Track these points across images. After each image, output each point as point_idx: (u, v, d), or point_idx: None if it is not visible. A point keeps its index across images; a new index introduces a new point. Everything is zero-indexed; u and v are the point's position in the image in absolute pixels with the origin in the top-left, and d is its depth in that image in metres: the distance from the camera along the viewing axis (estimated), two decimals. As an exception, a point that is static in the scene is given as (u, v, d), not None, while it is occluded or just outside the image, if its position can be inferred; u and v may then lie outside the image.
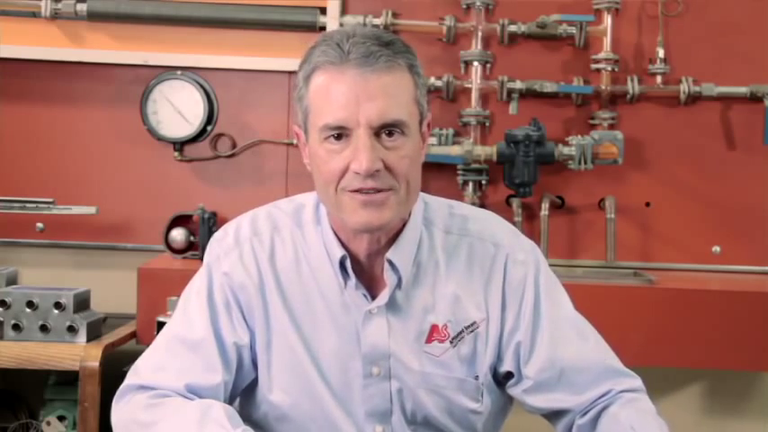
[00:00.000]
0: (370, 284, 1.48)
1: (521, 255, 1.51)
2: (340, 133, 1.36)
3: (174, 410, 1.39)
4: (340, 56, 1.36)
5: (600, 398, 1.48)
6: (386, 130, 1.36)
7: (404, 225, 1.46)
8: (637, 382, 1.51)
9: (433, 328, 1.47)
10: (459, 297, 1.48)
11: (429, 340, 1.47)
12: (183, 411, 1.38)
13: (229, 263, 1.50)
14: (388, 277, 1.45)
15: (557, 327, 1.49)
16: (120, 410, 1.46)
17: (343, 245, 1.46)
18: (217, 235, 1.55)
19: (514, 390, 1.51)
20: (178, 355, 1.46)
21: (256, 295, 1.48)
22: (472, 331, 1.48)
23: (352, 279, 1.46)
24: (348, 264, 1.45)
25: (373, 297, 1.47)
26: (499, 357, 1.50)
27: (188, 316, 1.49)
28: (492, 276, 1.49)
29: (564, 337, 1.48)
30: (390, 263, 1.45)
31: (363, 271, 1.48)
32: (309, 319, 1.48)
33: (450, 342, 1.47)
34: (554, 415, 1.51)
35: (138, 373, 1.48)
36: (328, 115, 1.36)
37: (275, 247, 1.50)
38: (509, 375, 1.51)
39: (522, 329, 1.48)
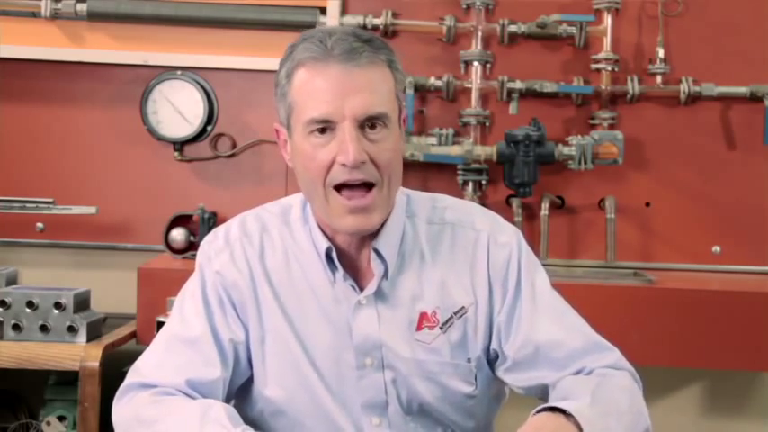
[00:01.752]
0: (357, 276, 1.51)
1: (502, 237, 1.54)
2: (325, 127, 1.39)
3: (175, 409, 1.40)
4: (323, 51, 1.39)
5: (576, 373, 1.49)
6: (369, 123, 1.40)
7: (388, 216, 1.49)
8: (615, 355, 1.51)
9: (422, 315, 1.49)
10: (445, 283, 1.50)
11: (419, 328, 1.49)
12: (185, 410, 1.39)
13: (220, 262, 1.52)
14: (375, 266, 1.48)
15: (534, 306, 1.50)
16: (121, 409, 1.47)
17: (329, 238, 1.49)
18: (207, 238, 1.58)
19: (498, 370, 1.53)
20: (177, 352, 1.48)
21: (248, 292, 1.51)
22: (461, 316, 1.50)
23: (340, 270, 1.48)
24: (335, 255, 1.48)
25: (361, 289, 1.50)
26: (490, 339, 1.52)
27: (184, 316, 1.52)
28: (476, 260, 1.52)
29: (541, 315, 1.50)
30: (377, 252, 1.48)
31: (350, 263, 1.51)
32: (301, 314, 1.50)
33: (440, 328, 1.49)
34: (540, 392, 1.52)
35: (138, 371, 1.49)
36: (314, 109, 1.39)
37: (265, 247, 1.53)
38: (497, 355, 1.53)
39: (505, 309, 1.50)
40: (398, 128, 1.46)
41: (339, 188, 1.41)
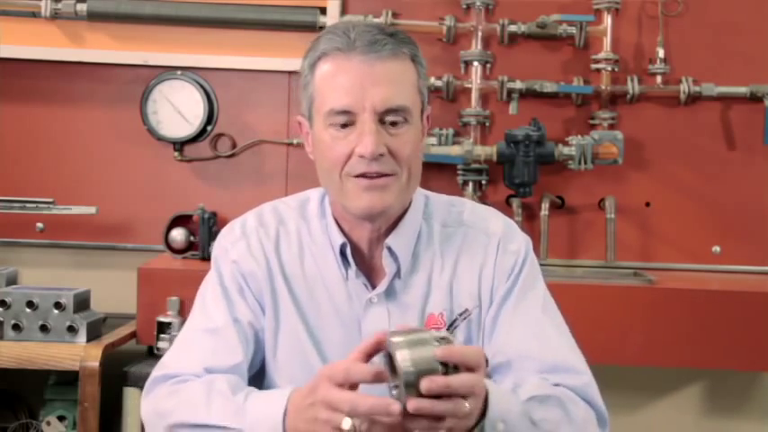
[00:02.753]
0: (371, 274, 1.50)
1: (513, 245, 1.53)
2: (345, 118, 1.39)
3: (185, 394, 1.40)
4: (346, 43, 1.39)
5: None
6: (390, 116, 1.39)
7: (403, 214, 1.49)
8: (582, 379, 1.44)
9: (430, 316, 1.49)
10: (453, 285, 1.50)
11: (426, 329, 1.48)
12: (192, 392, 1.39)
13: (237, 252, 1.52)
14: (387, 265, 1.48)
15: (515, 317, 1.48)
16: (146, 405, 1.47)
17: (344, 234, 1.48)
18: (223, 231, 1.57)
19: None
20: (199, 342, 1.48)
21: (265, 283, 1.50)
22: (465, 318, 1.49)
23: (353, 267, 1.48)
24: (348, 251, 1.48)
25: (374, 287, 1.49)
26: None
27: (206, 309, 1.51)
28: (485, 264, 1.51)
29: (519, 327, 1.47)
30: (390, 250, 1.47)
31: (364, 261, 1.50)
32: (313, 309, 1.50)
33: (447, 330, 1.48)
34: None
35: (162, 365, 1.49)
36: (334, 100, 1.39)
37: (280, 239, 1.52)
38: None
39: (491, 313, 1.49)
40: (420, 123, 1.45)
41: (356, 177, 1.40)
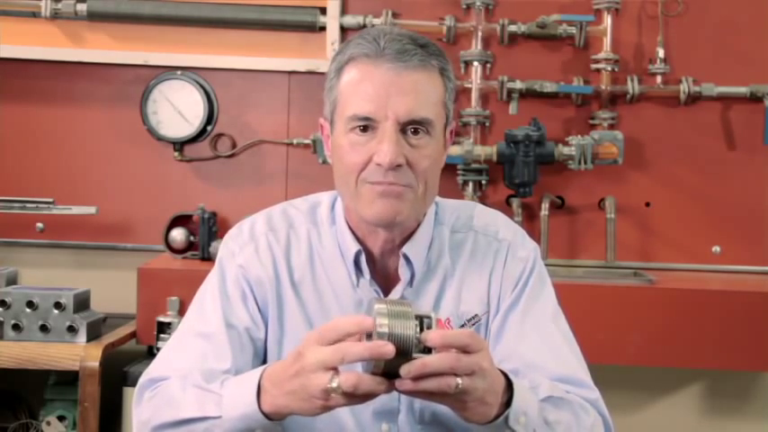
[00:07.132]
0: (383, 282, 1.49)
1: (522, 252, 1.52)
2: (366, 125, 1.38)
3: (163, 395, 1.39)
4: (375, 49, 1.38)
5: None
6: (412, 127, 1.38)
7: (418, 225, 1.48)
8: (594, 394, 1.45)
9: (437, 323, 1.47)
10: (462, 292, 1.49)
11: None
12: (168, 392, 1.38)
13: (245, 257, 1.50)
14: (403, 273, 1.47)
15: (523, 324, 1.47)
16: (135, 416, 1.45)
17: (358, 241, 1.47)
18: (231, 232, 1.54)
19: None
20: (189, 345, 1.45)
21: (271, 290, 1.48)
22: (474, 324, 1.48)
23: (366, 275, 1.47)
24: (362, 259, 1.46)
25: (386, 295, 1.48)
26: None
27: (203, 311, 1.49)
28: (494, 270, 1.50)
29: (528, 334, 1.46)
30: (406, 257, 1.46)
31: (376, 269, 1.49)
32: (321, 316, 1.48)
33: None
34: None
35: (150, 369, 1.47)
36: (357, 106, 1.38)
37: (291, 244, 1.51)
38: None
39: (498, 319, 1.48)
40: (442, 137, 1.44)
41: (371, 183, 1.39)
